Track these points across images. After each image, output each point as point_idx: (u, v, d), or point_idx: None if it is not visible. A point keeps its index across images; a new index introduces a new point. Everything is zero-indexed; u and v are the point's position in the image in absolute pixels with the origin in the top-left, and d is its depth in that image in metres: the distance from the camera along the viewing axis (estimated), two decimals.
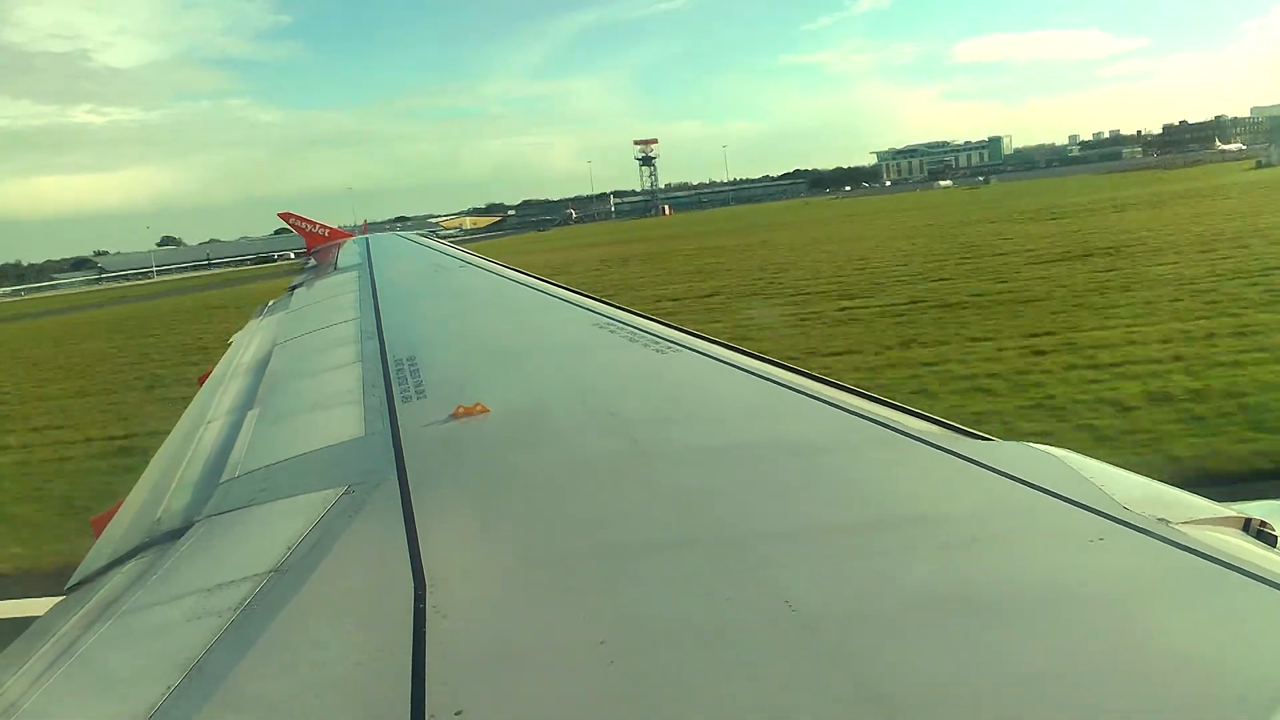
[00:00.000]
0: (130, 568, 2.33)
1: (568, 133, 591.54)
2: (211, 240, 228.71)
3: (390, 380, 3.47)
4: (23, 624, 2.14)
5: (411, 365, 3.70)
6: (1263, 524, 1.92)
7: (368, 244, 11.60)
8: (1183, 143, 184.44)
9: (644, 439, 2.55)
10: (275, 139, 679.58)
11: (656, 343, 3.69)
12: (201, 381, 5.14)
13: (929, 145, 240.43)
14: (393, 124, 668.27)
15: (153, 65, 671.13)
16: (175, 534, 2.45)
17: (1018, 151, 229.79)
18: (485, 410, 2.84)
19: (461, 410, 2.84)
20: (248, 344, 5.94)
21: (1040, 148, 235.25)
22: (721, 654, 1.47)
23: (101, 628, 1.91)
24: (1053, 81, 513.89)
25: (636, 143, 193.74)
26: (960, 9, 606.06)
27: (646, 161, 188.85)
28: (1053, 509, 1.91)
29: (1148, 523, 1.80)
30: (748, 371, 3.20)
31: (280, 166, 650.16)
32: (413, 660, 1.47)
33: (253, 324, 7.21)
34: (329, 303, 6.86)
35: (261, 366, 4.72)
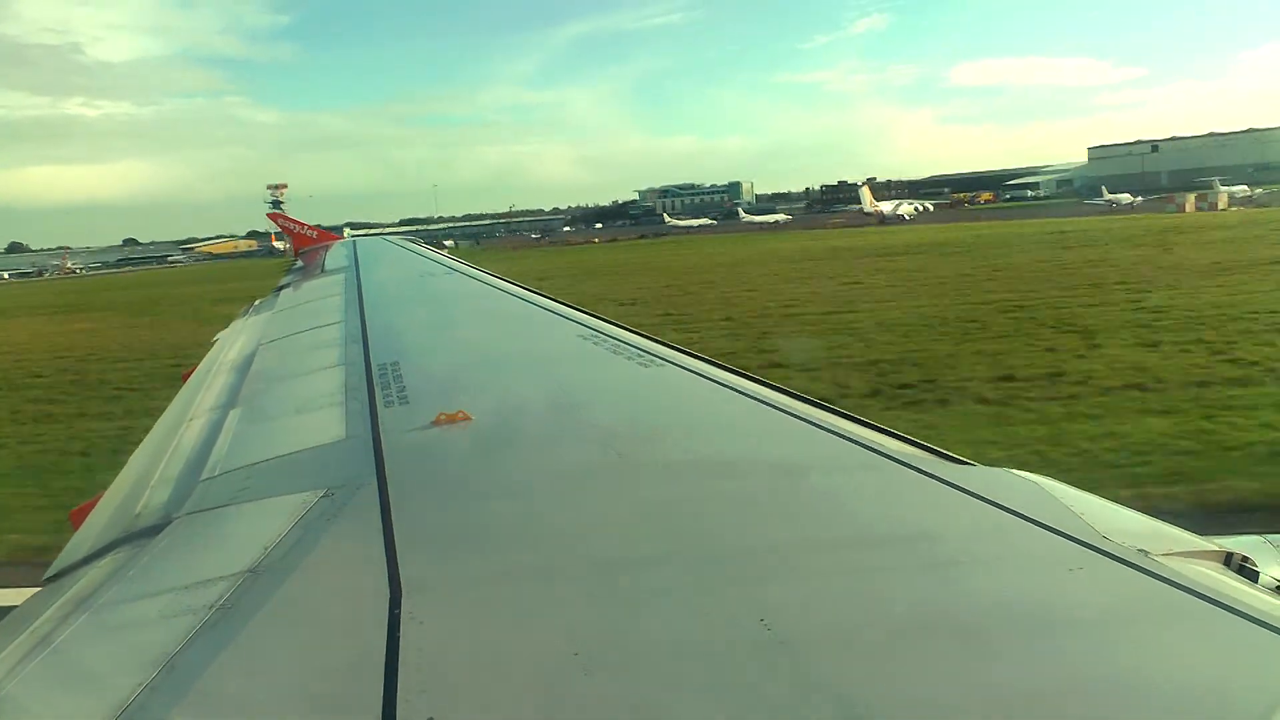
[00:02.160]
0: (107, 562, 2.30)
1: (562, 142, 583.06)
2: (60, 247, 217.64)
3: (373, 385, 3.45)
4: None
5: (395, 370, 3.68)
6: (1244, 559, 1.92)
7: (355, 247, 11.47)
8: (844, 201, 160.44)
9: (625, 452, 2.55)
10: (269, 139, 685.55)
11: (641, 356, 3.69)
12: (185, 378, 5.06)
13: (680, 186, 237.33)
14: (387, 128, 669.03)
15: (146, 61, 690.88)
16: (154, 530, 2.42)
17: (758, 197, 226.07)
18: (468, 418, 2.82)
19: (444, 417, 2.82)
20: (232, 343, 5.86)
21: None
22: (695, 669, 1.47)
23: (76, 622, 1.89)
24: (1049, 107, 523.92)
25: (268, 187, 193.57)
26: (956, 33, 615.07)
27: (276, 206, 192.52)
28: (1033, 536, 1.91)
29: (1128, 553, 1.79)
30: (730, 388, 3.20)
31: (273, 166, 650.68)
32: (386, 665, 1.47)
33: (238, 323, 7.10)
34: (314, 305, 6.82)
35: (245, 366, 4.67)
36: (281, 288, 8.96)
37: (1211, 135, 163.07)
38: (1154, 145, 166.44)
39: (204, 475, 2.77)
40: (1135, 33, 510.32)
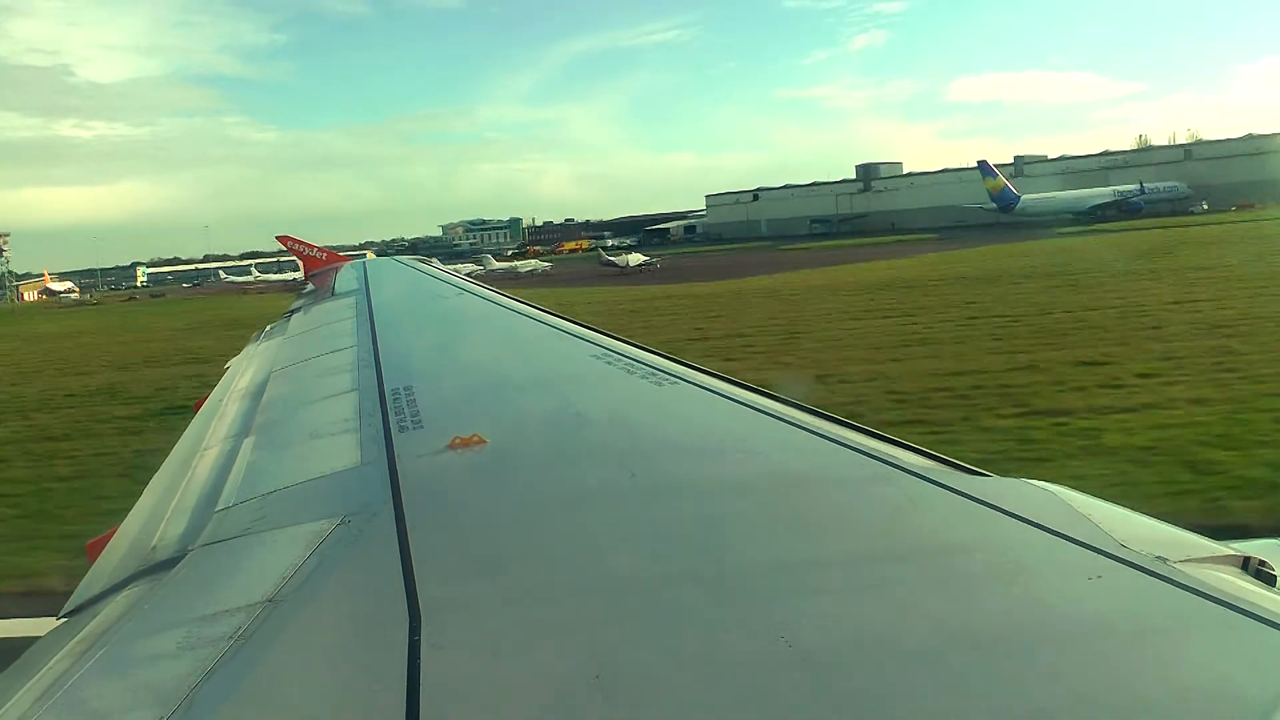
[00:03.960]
0: (124, 596, 2.31)
1: (560, 159, 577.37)
2: None
3: (387, 409, 3.43)
4: (18, 644, 2.15)
5: (409, 394, 3.66)
6: (1261, 563, 1.92)
7: (365, 269, 11.37)
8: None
9: (642, 472, 2.54)
10: (267, 158, 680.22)
11: (655, 374, 3.68)
12: (197, 407, 5.06)
13: (470, 221, 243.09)
14: (386, 146, 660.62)
15: (140, 81, 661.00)
16: (170, 563, 2.42)
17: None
18: (483, 441, 2.81)
19: (459, 441, 2.80)
20: (244, 370, 5.87)
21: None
22: (718, 689, 1.47)
23: (94, 657, 1.89)
24: (1048, 122, 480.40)
25: None
26: (955, 48, 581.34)
27: None
28: (1050, 545, 1.91)
29: (1146, 561, 1.80)
30: (746, 405, 3.20)
31: (272, 185, 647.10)
32: (407, 695, 1.46)
33: (250, 349, 7.13)
34: (325, 329, 6.79)
35: (258, 393, 4.66)
36: (293, 312, 8.94)
37: (815, 184, 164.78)
38: (755, 194, 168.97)
39: (219, 506, 2.77)
40: (1134, 48, 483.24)
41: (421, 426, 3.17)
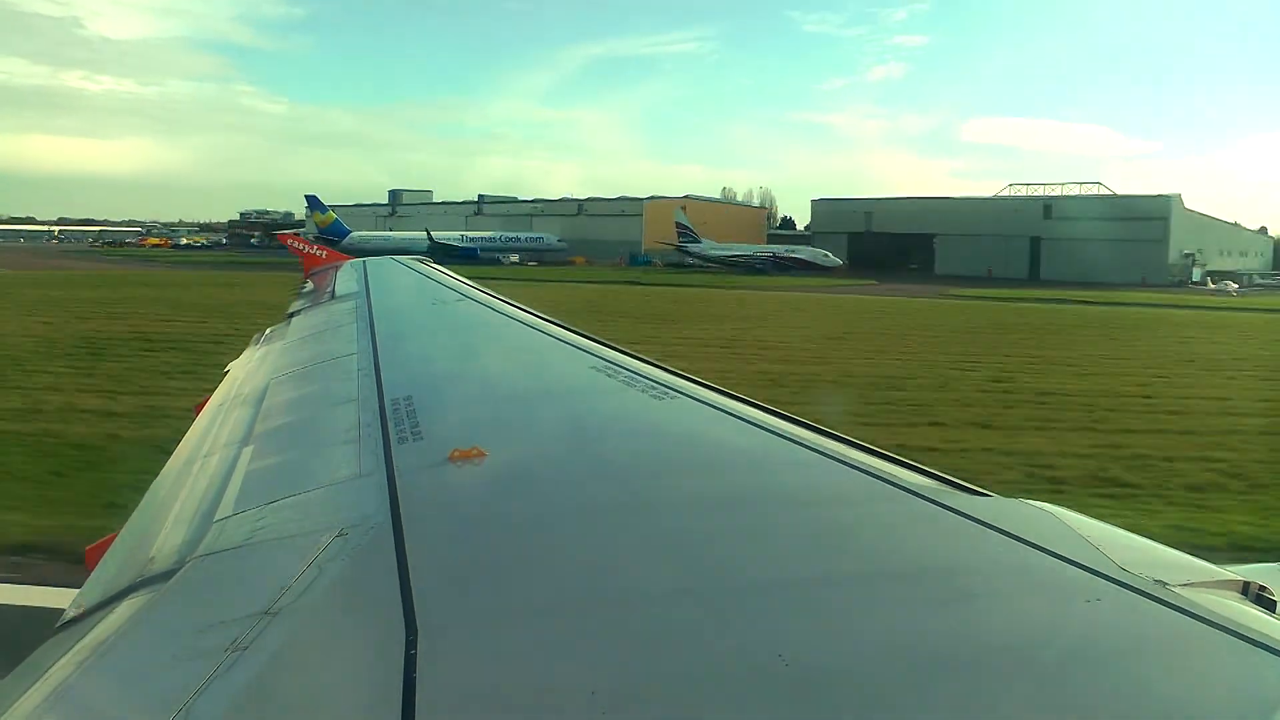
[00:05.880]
0: (123, 608, 2.30)
1: (568, 161, 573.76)
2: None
3: (387, 420, 3.45)
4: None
5: (408, 405, 3.67)
6: (1261, 588, 1.92)
7: (365, 270, 11.27)
8: None
9: (641, 487, 2.58)
10: (274, 129, 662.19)
11: (655, 388, 3.73)
12: (197, 411, 5.11)
13: (258, 211, 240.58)
14: (394, 131, 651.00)
15: (151, 41, 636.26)
16: (167, 574, 2.43)
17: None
18: (482, 454, 2.82)
19: (458, 453, 2.82)
20: (244, 375, 5.92)
21: None
22: (713, 705, 1.49)
23: (90, 668, 1.90)
24: (1059, 170, 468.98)
25: None
26: (971, 89, 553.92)
27: None
28: (1049, 567, 1.92)
29: (1145, 584, 1.81)
30: (746, 420, 3.24)
31: (275, 157, 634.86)
32: (402, 709, 1.46)
33: (249, 352, 7.13)
34: (326, 335, 6.84)
35: (258, 400, 4.69)
36: (293, 314, 8.89)
37: (356, 205, 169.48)
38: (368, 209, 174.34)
39: (217, 516, 2.79)
40: (1152, 107, 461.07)
41: (421, 438, 3.18)
